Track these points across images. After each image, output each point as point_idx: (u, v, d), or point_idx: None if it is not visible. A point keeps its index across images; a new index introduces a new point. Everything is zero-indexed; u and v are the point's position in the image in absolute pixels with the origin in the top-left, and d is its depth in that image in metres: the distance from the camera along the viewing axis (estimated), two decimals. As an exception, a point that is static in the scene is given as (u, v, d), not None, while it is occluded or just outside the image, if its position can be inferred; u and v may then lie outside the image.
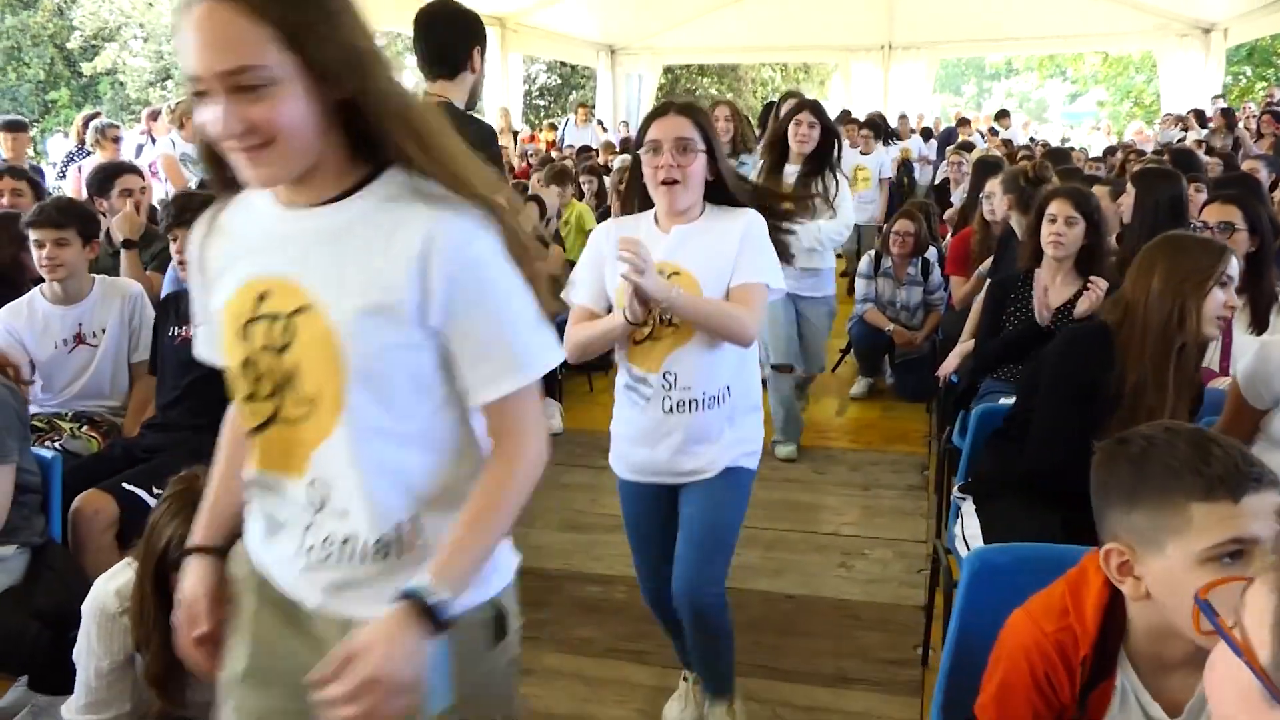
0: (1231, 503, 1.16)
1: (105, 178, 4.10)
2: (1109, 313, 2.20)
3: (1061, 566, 1.58)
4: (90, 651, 1.73)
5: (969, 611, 1.65)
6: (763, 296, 2.10)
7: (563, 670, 2.72)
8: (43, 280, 3.06)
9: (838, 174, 4.19)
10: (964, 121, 12.96)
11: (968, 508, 2.33)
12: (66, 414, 2.97)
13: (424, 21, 2.81)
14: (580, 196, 6.59)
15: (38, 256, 2.97)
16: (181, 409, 2.80)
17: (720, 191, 2.16)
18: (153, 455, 2.67)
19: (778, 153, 4.18)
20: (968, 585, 1.65)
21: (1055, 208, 3.13)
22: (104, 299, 3.11)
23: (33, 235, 2.98)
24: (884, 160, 8.42)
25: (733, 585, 3.07)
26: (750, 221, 2.12)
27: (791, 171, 4.15)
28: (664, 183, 2.07)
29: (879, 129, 8.77)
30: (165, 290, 3.54)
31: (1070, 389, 2.16)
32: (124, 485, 2.50)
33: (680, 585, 2.13)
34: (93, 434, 2.91)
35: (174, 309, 2.95)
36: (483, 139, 2.73)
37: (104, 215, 3.81)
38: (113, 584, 1.72)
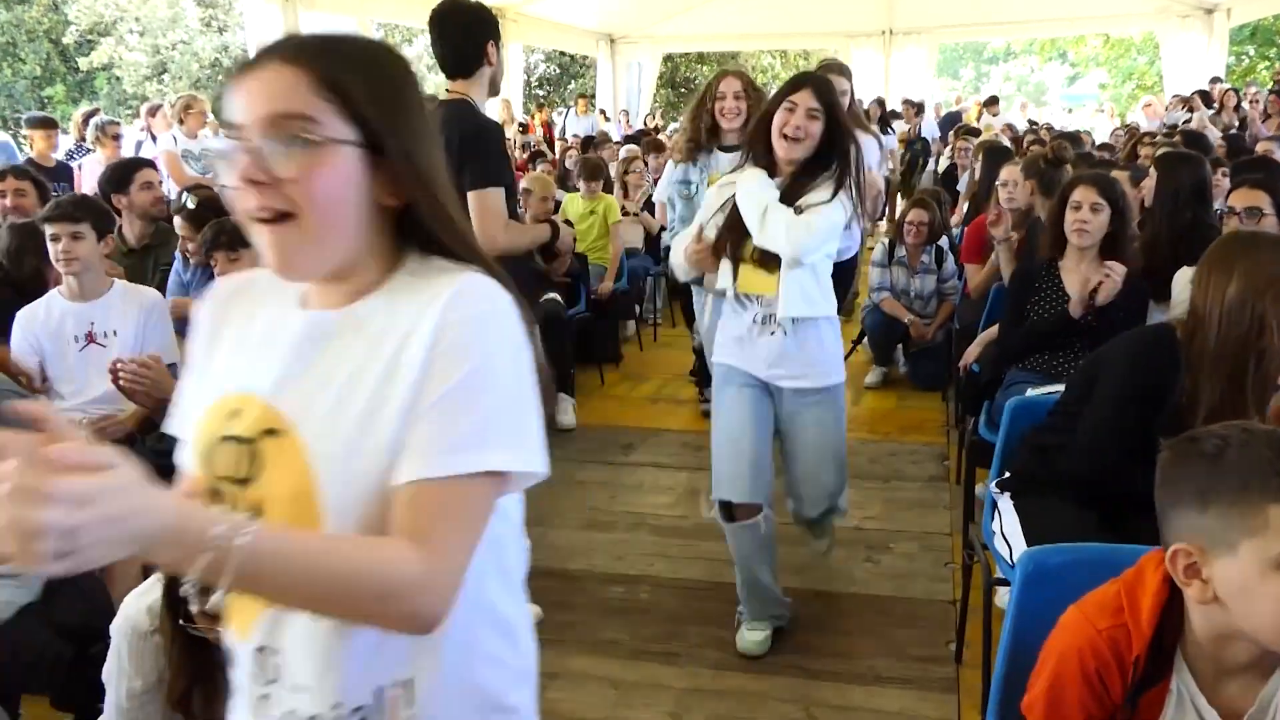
0: None
1: (124, 173, 4.04)
2: (1177, 319, 2.09)
3: (1114, 567, 1.54)
4: (121, 672, 1.69)
5: (1021, 613, 1.61)
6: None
7: (591, 673, 2.69)
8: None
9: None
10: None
11: (1005, 503, 2.28)
12: (82, 420, 2.91)
13: (436, 23, 2.82)
14: (610, 189, 6.50)
15: (53, 251, 2.94)
16: None
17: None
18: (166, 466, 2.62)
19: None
20: (1021, 587, 1.61)
21: (1080, 194, 3.08)
22: (121, 302, 3.06)
23: (48, 230, 2.95)
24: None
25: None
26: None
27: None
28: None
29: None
30: (172, 291, 3.50)
31: (1133, 394, 2.07)
32: None
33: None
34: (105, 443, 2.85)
35: None
36: (494, 138, 2.84)
37: (120, 213, 3.75)
38: (144, 601, 1.67)
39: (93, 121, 6.81)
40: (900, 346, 5.44)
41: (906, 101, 10.51)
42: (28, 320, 3.02)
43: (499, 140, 2.86)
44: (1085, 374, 2.25)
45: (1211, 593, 1.21)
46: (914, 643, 2.79)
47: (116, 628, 1.68)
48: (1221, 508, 1.18)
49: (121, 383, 2.56)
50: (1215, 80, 11.45)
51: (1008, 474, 2.32)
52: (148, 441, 3.00)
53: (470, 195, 2.64)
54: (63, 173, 6.05)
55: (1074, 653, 1.31)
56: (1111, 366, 2.16)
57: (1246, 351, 1.93)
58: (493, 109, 9.94)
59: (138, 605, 1.67)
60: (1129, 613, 1.29)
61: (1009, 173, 4.50)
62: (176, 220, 3.54)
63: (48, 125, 6.10)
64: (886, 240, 5.48)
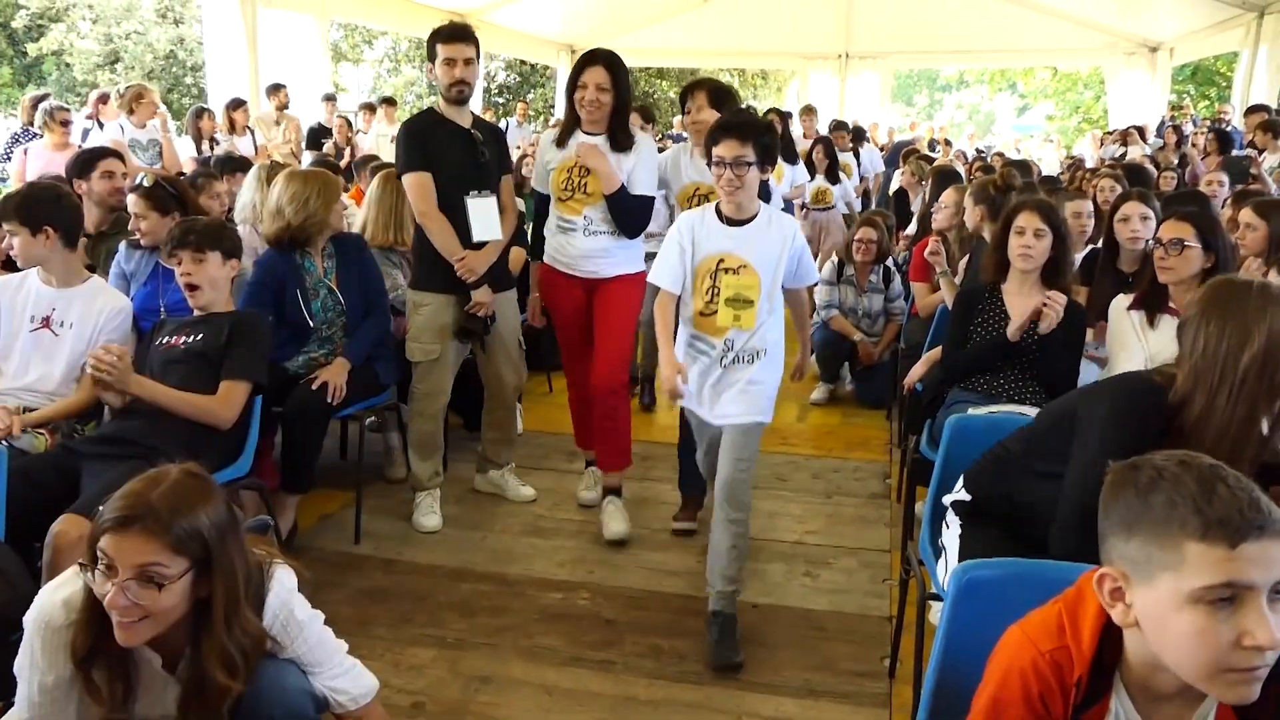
0: (1228, 547, 1.12)
1: (86, 160, 3.97)
2: (1162, 373, 1.89)
3: (1047, 584, 1.57)
4: (34, 665, 1.64)
5: (953, 628, 1.62)
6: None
7: (525, 679, 2.66)
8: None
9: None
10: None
11: (952, 518, 2.28)
12: (19, 408, 2.83)
13: None
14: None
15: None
16: (141, 421, 2.74)
17: None
18: (106, 463, 2.57)
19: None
20: (954, 600, 1.62)
21: (1024, 220, 3.15)
22: (88, 299, 3.01)
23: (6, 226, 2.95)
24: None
25: (695, 593, 3.07)
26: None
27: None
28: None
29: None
30: (112, 282, 3.42)
31: (1116, 457, 1.89)
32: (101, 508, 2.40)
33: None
34: (41, 431, 2.78)
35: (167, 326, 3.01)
36: (401, 136, 3.57)
37: (81, 199, 3.68)
38: (59, 594, 1.63)
39: (41, 106, 6.65)
40: (847, 364, 5.50)
41: (837, 123, 9.80)
42: (1, 286, 2.99)
43: (404, 137, 3.51)
44: (1060, 418, 2.05)
45: (1133, 618, 1.23)
46: (849, 657, 2.81)
47: (30, 620, 1.63)
48: (1144, 538, 1.19)
49: (91, 370, 2.70)
50: (1173, 116, 11.81)
51: (963, 495, 2.25)
52: (85, 430, 2.94)
53: None
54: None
55: (1016, 674, 1.31)
56: (1094, 423, 1.91)
57: (1256, 420, 1.75)
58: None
59: (52, 599, 1.63)
60: (1070, 634, 1.30)
61: (947, 196, 4.60)
62: (131, 199, 3.47)
63: None
64: (835, 259, 5.55)
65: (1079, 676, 1.28)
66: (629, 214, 3.49)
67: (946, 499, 2.29)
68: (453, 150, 3.46)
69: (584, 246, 3.54)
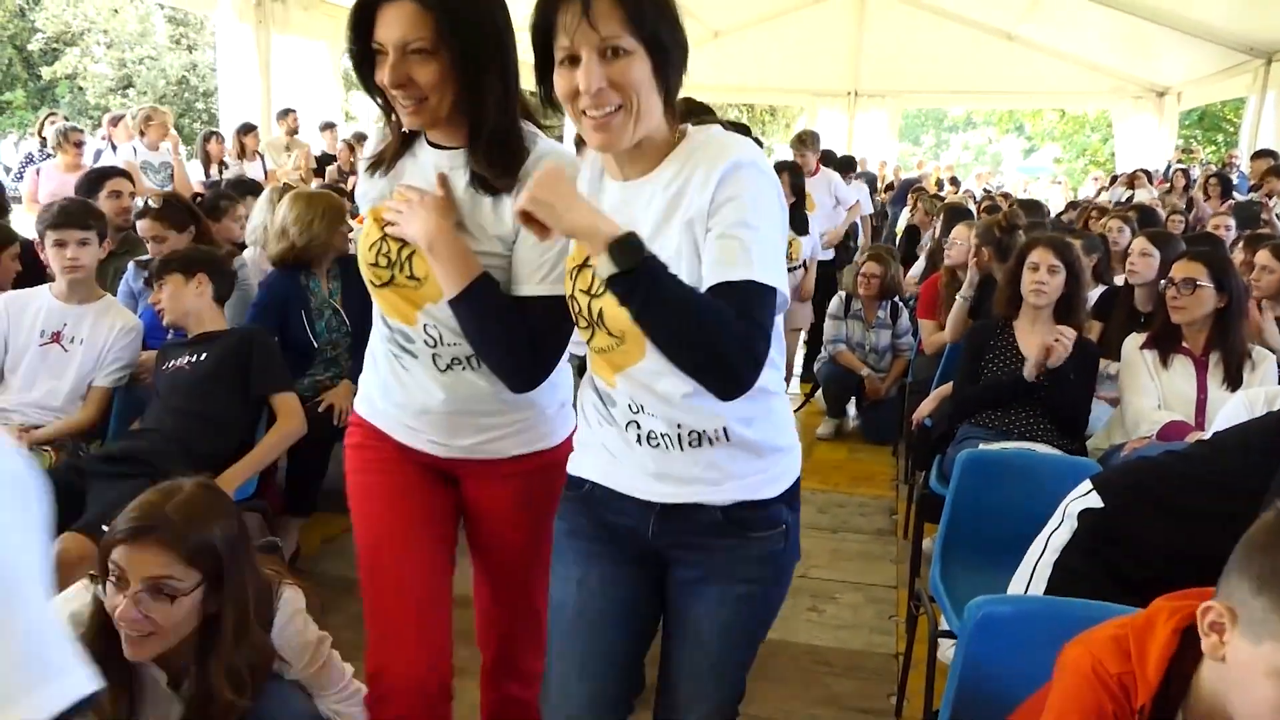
0: None
1: (95, 180, 4.03)
2: None
3: (1067, 621, 1.54)
4: None
5: (969, 662, 1.59)
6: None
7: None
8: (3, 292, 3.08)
9: None
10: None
11: (1062, 532, 2.02)
12: (25, 427, 2.82)
13: None
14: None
15: (57, 257, 2.94)
16: (148, 439, 2.73)
17: None
18: (112, 481, 2.55)
19: None
20: (970, 636, 1.60)
21: (1038, 256, 3.14)
22: (100, 316, 3.03)
23: (52, 237, 2.96)
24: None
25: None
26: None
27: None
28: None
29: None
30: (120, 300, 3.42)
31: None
32: (105, 528, 2.38)
33: None
34: (46, 448, 2.77)
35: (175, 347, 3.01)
36: None
37: None
38: (65, 609, 1.61)
39: (54, 127, 6.71)
40: (854, 399, 5.48)
41: (826, 153, 8.03)
42: (10, 300, 3.01)
43: None
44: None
45: (1222, 654, 1.19)
46: (855, 694, 2.76)
47: None
48: (1271, 601, 1.15)
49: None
50: (1181, 160, 11.87)
51: (1094, 501, 1.98)
52: (91, 448, 2.92)
53: None
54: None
55: (1089, 689, 1.27)
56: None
57: None
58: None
59: (61, 611, 1.61)
60: (1136, 660, 1.27)
61: (959, 232, 4.60)
62: (141, 224, 3.48)
63: None
64: (843, 294, 5.54)
65: (1142, 705, 1.25)
66: (499, 341, 1.61)
67: (1072, 504, 2.00)
68: None
69: (436, 396, 1.71)
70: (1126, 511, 1.91)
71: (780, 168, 6.65)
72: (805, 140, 6.72)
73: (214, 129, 8.44)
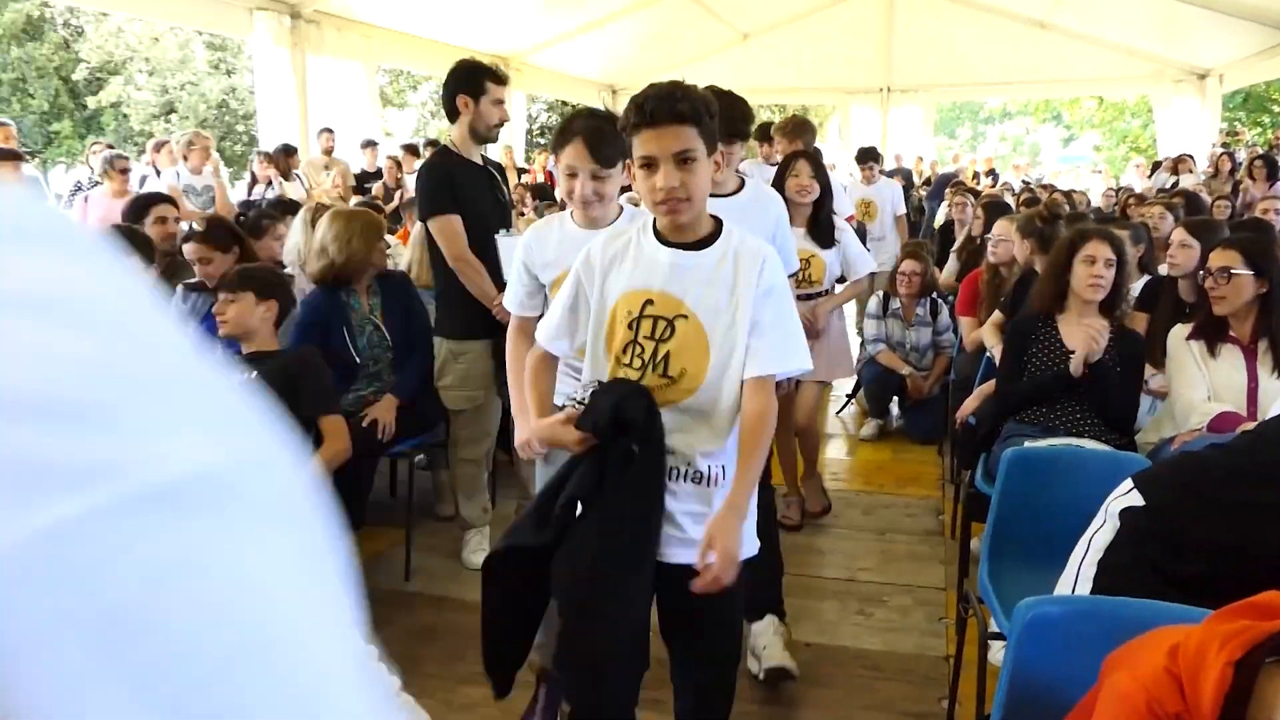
0: None
1: (141, 207, 4.14)
2: None
3: (1116, 619, 1.52)
4: None
5: (1019, 664, 1.57)
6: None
7: None
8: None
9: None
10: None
11: (1105, 532, 1.98)
12: None
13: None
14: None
15: None
16: None
17: None
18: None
19: None
20: (1019, 637, 1.58)
21: (1094, 249, 3.07)
22: None
23: None
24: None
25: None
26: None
27: None
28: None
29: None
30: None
31: None
32: None
33: None
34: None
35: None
36: (422, 179, 3.43)
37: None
38: None
39: (101, 156, 6.87)
40: (896, 399, 5.43)
41: (865, 150, 7.38)
42: None
43: (429, 179, 3.38)
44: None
45: None
46: (906, 698, 2.74)
47: None
48: None
49: None
50: (1226, 143, 11.63)
51: (1135, 499, 1.95)
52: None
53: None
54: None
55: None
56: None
57: None
58: (496, 153, 10.13)
59: None
60: (1189, 695, 1.21)
61: (1000, 228, 4.54)
62: (186, 248, 3.56)
63: (14, 158, 6.24)
64: (881, 293, 5.50)
65: None
66: None
67: (1113, 503, 1.97)
68: (477, 189, 3.38)
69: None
70: (1169, 508, 1.88)
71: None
72: (789, 129, 4.70)
73: (266, 150, 8.59)
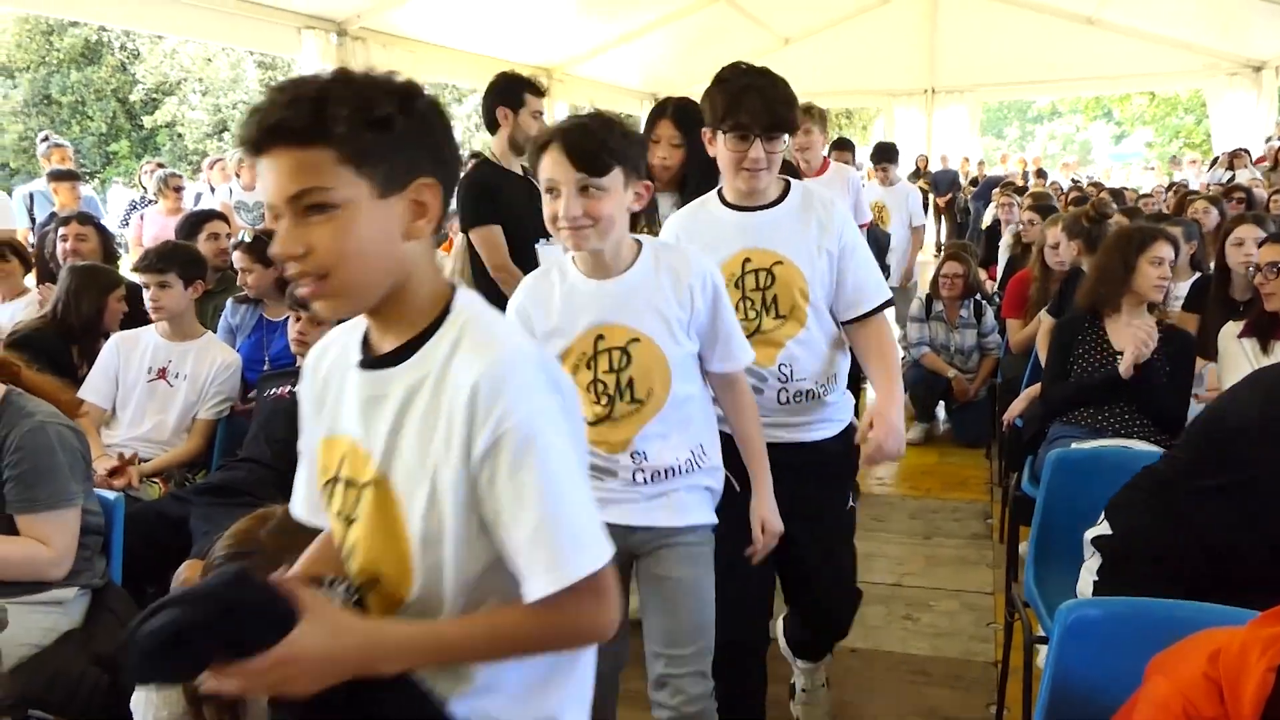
0: None
1: (194, 224, 4.25)
2: None
3: (1156, 622, 1.51)
4: (149, 702, 1.69)
5: (1061, 668, 1.56)
6: None
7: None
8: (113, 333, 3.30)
9: None
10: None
11: (1091, 563, 2.10)
12: (136, 458, 2.98)
13: None
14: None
15: (146, 298, 3.17)
16: (246, 470, 2.83)
17: None
18: (214, 510, 2.67)
19: None
20: (1060, 641, 1.56)
21: (1161, 250, 3.02)
22: (203, 353, 3.19)
23: (140, 279, 3.19)
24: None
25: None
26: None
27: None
28: None
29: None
30: (220, 336, 3.57)
31: None
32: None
33: None
34: (155, 480, 2.92)
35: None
36: (464, 189, 3.34)
37: None
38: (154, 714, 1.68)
39: (156, 174, 7.07)
40: (942, 402, 5.38)
41: (881, 147, 6.69)
42: (121, 340, 3.21)
43: (470, 189, 3.35)
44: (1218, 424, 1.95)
45: None
46: (953, 704, 2.72)
47: None
48: None
49: None
50: (1271, 139, 11.35)
51: (1105, 529, 2.06)
52: (196, 478, 3.07)
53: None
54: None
55: None
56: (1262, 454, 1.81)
57: None
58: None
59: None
60: (1229, 700, 1.21)
61: (1052, 233, 4.44)
62: (236, 255, 3.65)
63: (71, 178, 6.37)
64: (923, 295, 5.45)
65: None
66: None
67: (1088, 534, 2.09)
68: (517, 200, 3.36)
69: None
70: (1138, 529, 1.96)
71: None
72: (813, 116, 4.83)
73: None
